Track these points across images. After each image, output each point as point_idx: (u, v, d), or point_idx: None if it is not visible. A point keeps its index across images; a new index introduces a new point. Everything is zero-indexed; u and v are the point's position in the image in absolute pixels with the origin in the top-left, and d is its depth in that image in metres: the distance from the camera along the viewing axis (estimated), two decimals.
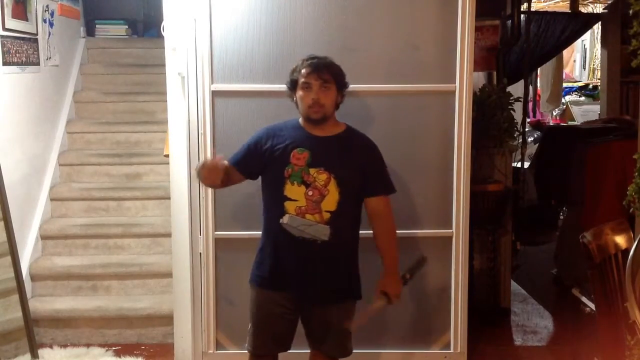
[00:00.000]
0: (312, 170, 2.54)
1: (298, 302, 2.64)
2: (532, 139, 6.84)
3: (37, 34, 4.39)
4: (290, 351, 2.75)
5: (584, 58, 8.70)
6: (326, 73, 2.57)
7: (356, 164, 2.62)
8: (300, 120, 2.68)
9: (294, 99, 2.64)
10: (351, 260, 2.70)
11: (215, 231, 3.33)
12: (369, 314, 2.65)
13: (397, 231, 3.33)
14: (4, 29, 3.93)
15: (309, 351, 2.77)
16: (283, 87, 3.19)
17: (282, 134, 2.64)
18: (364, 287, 2.72)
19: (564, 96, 8.29)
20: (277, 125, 2.72)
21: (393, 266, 2.67)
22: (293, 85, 2.62)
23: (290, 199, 2.54)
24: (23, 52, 4.18)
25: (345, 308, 2.67)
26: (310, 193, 2.53)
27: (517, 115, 4.23)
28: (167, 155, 3.47)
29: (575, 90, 8.71)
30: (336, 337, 2.67)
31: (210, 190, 3.24)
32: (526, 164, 5.08)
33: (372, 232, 2.69)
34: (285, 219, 2.53)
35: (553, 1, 7.33)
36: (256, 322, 2.69)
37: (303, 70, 2.57)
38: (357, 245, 2.71)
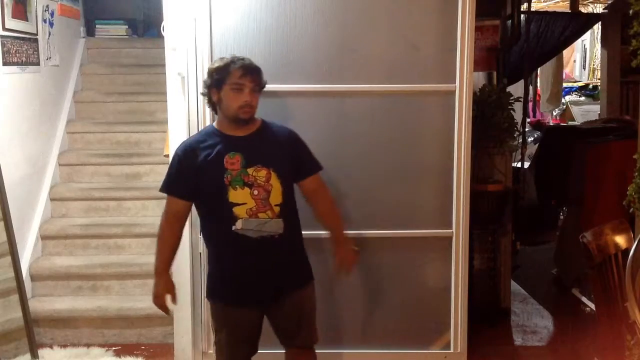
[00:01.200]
0: (249, 170, 2.54)
1: (265, 305, 2.66)
2: (532, 139, 6.83)
3: (37, 34, 4.39)
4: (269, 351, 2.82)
5: (584, 58, 8.70)
6: (257, 77, 2.59)
7: (285, 152, 2.64)
8: (216, 125, 2.66)
9: (215, 97, 2.60)
10: (301, 245, 2.74)
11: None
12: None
13: (397, 231, 3.36)
14: (4, 29, 3.93)
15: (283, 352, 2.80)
16: (283, 87, 3.21)
17: (204, 145, 2.59)
18: None
19: (564, 96, 8.29)
20: (194, 139, 2.68)
21: (343, 236, 2.77)
22: (217, 85, 2.57)
23: (238, 204, 2.52)
24: (23, 52, 4.18)
25: (308, 291, 2.74)
26: (255, 192, 2.53)
27: (517, 115, 4.23)
28: (167, 155, 3.46)
29: (575, 90, 8.70)
30: (307, 325, 2.74)
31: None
32: (526, 164, 5.08)
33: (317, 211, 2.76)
34: (239, 225, 2.51)
35: (553, 1, 7.33)
36: (229, 334, 2.67)
37: (235, 72, 2.54)
38: (301, 229, 2.74)
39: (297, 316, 2.71)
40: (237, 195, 2.52)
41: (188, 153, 2.60)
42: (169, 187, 2.64)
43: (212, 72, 2.60)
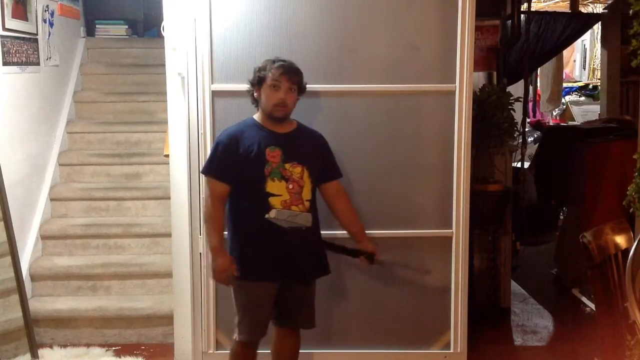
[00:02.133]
0: (287, 165, 2.76)
1: (282, 286, 2.83)
2: (532, 139, 6.84)
3: (37, 34, 4.39)
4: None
5: (584, 58, 8.70)
6: (295, 77, 2.79)
7: (317, 154, 2.89)
8: (257, 117, 2.84)
9: (255, 94, 2.81)
10: (321, 239, 2.96)
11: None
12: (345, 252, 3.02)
13: (397, 231, 3.36)
14: (4, 29, 3.93)
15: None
16: None
17: (247, 135, 2.79)
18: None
19: (564, 96, 8.29)
20: (236, 128, 2.85)
21: (364, 233, 3.01)
22: (259, 82, 2.78)
23: (274, 195, 2.73)
24: (23, 52, 4.18)
25: (314, 284, 2.95)
26: (291, 186, 2.75)
27: (517, 115, 4.23)
28: (167, 155, 3.47)
29: (575, 90, 8.70)
30: (308, 311, 2.93)
31: None
32: (526, 164, 5.08)
33: (336, 212, 2.98)
34: (272, 214, 2.72)
35: (553, 1, 7.33)
36: (252, 312, 2.84)
37: (274, 71, 2.75)
38: None
39: (303, 300, 2.90)
40: (274, 186, 2.73)
41: (232, 140, 2.78)
42: (213, 170, 2.81)
43: (255, 70, 2.81)
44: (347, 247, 3.03)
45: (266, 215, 2.71)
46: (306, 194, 2.78)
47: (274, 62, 2.77)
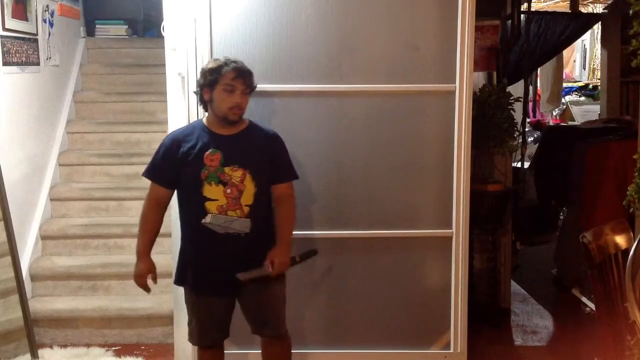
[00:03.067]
0: (226, 169, 2.67)
1: (227, 294, 2.79)
2: (532, 139, 6.83)
3: (37, 34, 4.40)
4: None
5: (584, 58, 8.70)
6: (248, 79, 2.71)
7: (264, 155, 2.76)
8: (205, 120, 2.78)
9: (206, 96, 2.70)
10: (272, 243, 2.81)
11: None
12: (251, 274, 2.74)
13: (397, 231, 3.36)
14: (4, 29, 3.93)
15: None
16: (283, 87, 3.21)
17: (190, 138, 2.73)
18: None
19: (564, 96, 8.28)
20: (181, 131, 2.82)
21: (287, 241, 2.82)
22: (210, 85, 2.67)
23: (210, 199, 2.67)
24: (23, 52, 4.18)
25: (272, 286, 2.82)
26: (228, 191, 2.67)
27: (517, 115, 4.23)
28: None
29: (575, 90, 8.70)
30: (272, 317, 2.84)
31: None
32: (526, 164, 5.08)
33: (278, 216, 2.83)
34: (208, 219, 2.67)
35: (553, 1, 7.32)
36: (199, 317, 2.82)
37: (228, 73, 2.65)
38: (273, 229, 2.83)
39: (262, 308, 2.83)
40: (211, 191, 2.66)
41: (173, 144, 2.74)
42: (151, 173, 2.81)
43: (205, 72, 2.71)
44: (304, 252, 2.91)
45: (202, 221, 2.67)
46: (246, 198, 2.68)
47: (226, 64, 2.67)
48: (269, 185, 2.78)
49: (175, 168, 2.71)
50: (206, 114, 2.81)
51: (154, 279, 2.80)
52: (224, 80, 2.65)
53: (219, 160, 2.67)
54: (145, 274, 2.76)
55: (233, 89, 2.66)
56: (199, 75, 2.77)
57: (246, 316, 2.87)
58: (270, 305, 2.84)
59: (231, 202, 2.67)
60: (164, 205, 2.81)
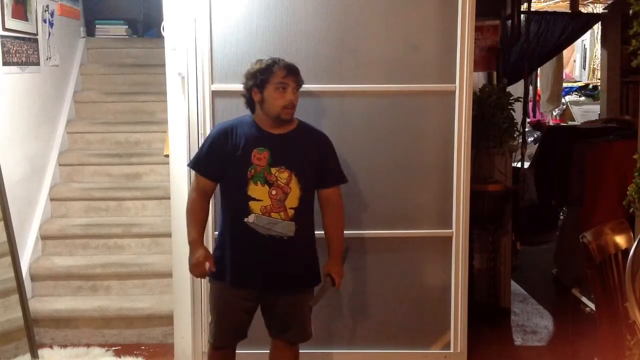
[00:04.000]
0: (273, 170, 2.62)
1: (261, 295, 2.74)
2: (532, 139, 6.84)
3: (37, 34, 4.39)
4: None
5: (584, 58, 8.70)
6: (299, 76, 2.68)
7: (312, 158, 2.71)
8: (254, 117, 2.72)
9: (255, 97, 2.66)
10: (313, 249, 2.80)
11: (214, 231, 3.32)
12: (320, 295, 2.75)
13: (397, 231, 3.36)
14: (4, 29, 3.93)
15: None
16: None
17: (238, 132, 2.68)
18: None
19: (564, 96, 8.29)
20: (230, 124, 2.76)
21: (340, 251, 2.81)
22: (261, 85, 2.63)
23: (254, 199, 2.62)
24: (23, 52, 4.18)
25: (308, 295, 2.78)
26: (274, 192, 2.62)
27: (517, 115, 4.23)
28: (167, 155, 3.47)
29: (575, 90, 8.70)
30: (299, 324, 2.77)
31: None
32: (526, 164, 5.08)
33: (326, 221, 2.80)
34: (251, 219, 2.62)
35: (553, 1, 7.32)
36: (220, 316, 2.78)
37: (279, 72, 2.62)
38: (314, 234, 2.80)
39: (292, 313, 2.76)
40: (255, 190, 2.62)
41: (221, 136, 2.69)
42: (196, 164, 2.76)
43: (255, 73, 2.66)
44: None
45: (245, 219, 2.62)
46: (291, 201, 2.63)
47: (275, 62, 2.64)
48: (314, 189, 2.74)
49: (221, 161, 2.66)
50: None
51: (213, 266, 2.69)
52: (275, 79, 2.61)
53: (267, 160, 2.62)
54: (204, 261, 2.67)
55: (285, 86, 2.62)
56: (243, 78, 2.71)
57: (268, 320, 2.79)
58: (299, 312, 2.76)
59: (275, 203, 2.62)
60: (209, 196, 2.76)
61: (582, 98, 8.52)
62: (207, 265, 2.68)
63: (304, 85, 3.08)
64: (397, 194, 3.36)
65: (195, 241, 2.71)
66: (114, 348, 3.80)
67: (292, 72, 2.64)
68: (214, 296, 2.80)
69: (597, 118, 6.13)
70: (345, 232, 3.02)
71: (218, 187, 2.77)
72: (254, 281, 2.70)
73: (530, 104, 6.95)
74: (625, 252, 2.42)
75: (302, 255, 2.74)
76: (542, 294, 4.75)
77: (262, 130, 2.68)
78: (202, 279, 2.93)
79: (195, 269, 2.71)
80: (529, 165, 5.32)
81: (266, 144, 2.64)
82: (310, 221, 2.75)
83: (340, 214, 2.82)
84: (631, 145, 3.31)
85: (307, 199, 2.69)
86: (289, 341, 2.80)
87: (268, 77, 2.62)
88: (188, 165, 2.80)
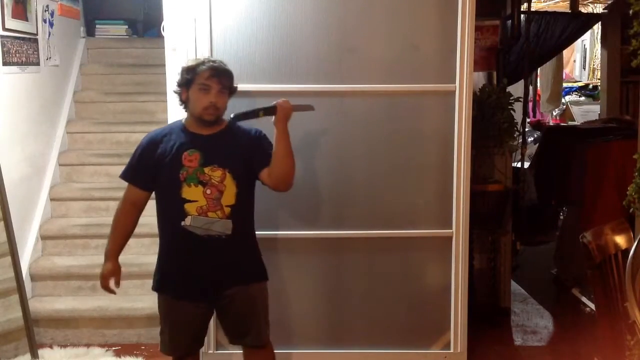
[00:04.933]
0: (206, 169, 2.59)
1: (212, 301, 2.70)
2: (532, 139, 6.83)
3: (37, 34, 4.39)
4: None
5: (584, 58, 8.70)
6: (225, 79, 2.63)
7: (244, 151, 2.66)
8: (184, 120, 2.71)
9: (183, 96, 2.65)
10: (254, 246, 2.76)
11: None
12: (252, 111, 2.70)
13: (397, 231, 3.36)
14: (4, 29, 3.93)
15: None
16: (283, 87, 3.21)
17: (168, 138, 2.66)
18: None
19: (564, 96, 8.28)
20: (160, 131, 2.74)
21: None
22: (186, 84, 2.62)
23: (189, 201, 2.58)
24: (23, 52, 4.18)
25: (254, 291, 2.73)
26: (208, 192, 2.58)
27: (517, 115, 4.23)
28: None
29: (575, 90, 8.70)
30: (255, 325, 2.73)
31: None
32: (526, 164, 5.08)
33: None
34: (188, 221, 2.58)
35: (553, 1, 7.32)
36: (171, 328, 2.72)
37: (203, 72, 2.59)
38: (254, 231, 2.76)
39: (243, 315, 2.72)
40: (190, 192, 2.58)
41: (150, 144, 2.68)
42: (127, 174, 2.73)
43: (183, 71, 2.66)
44: (258, 108, 2.73)
45: (182, 223, 2.57)
46: (227, 199, 2.58)
47: (203, 62, 2.62)
48: (251, 184, 2.71)
49: (152, 169, 2.64)
50: (186, 115, 2.73)
51: (117, 283, 2.72)
52: (199, 80, 2.59)
53: (198, 161, 2.59)
54: (108, 276, 2.69)
55: (208, 88, 2.58)
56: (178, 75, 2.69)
57: (225, 325, 2.77)
58: (253, 312, 2.72)
59: (211, 203, 2.58)
60: (139, 208, 2.73)
61: (582, 98, 8.52)
62: (112, 281, 2.69)
63: (305, 85, 3.09)
64: (396, 193, 3.36)
65: (109, 254, 2.71)
66: (114, 348, 3.80)
67: (216, 75, 2.60)
68: (161, 307, 2.74)
69: (597, 118, 6.13)
70: (345, 232, 3.02)
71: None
72: (195, 290, 2.65)
73: (530, 104, 6.95)
74: (625, 252, 2.42)
75: (241, 253, 2.69)
76: (542, 294, 4.74)
77: (192, 133, 2.65)
78: None
79: (102, 281, 2.71)
80: (529, 165, 5.32)
81: (196, 145, 2.61)
82: (249, 220, 2.72)
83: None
84: (631, 145, 3.31)
85: (245, 197, 2.66)
86: (250, 345, 2.77)
87: (193, 77, 2.60)
88: (120, 176, 2.76)
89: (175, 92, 2.73)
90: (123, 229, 2.74)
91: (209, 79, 2.59)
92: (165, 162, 2.61)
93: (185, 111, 2.72)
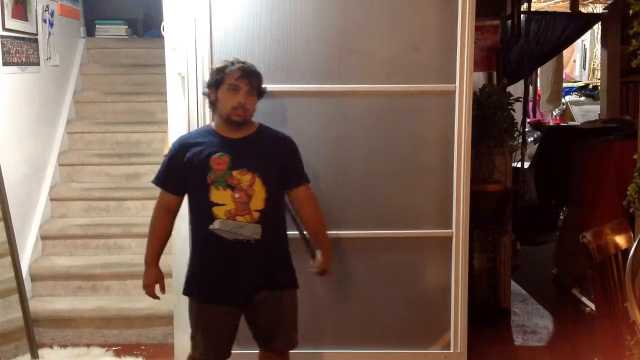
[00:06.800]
0: (234, 173, 2.58)
1: (243, 307, 2.68)
2: (532, 139, 6.84)
3: (37, 34, 4.39)
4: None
5: (584, 58, 8.70)
6: (254, 80, 2.65)
7: (275, 158, 2.68)
8: (213, 124, 2.72)
9: (212, 97, 2.66)
10: (285, 251, 2.76)
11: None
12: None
13: (397, 231, 3.35)
14: (4, 29, 3.93)
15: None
16: (283, 87, 3.21)
17: (197, 142, 2.66)
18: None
19: (564, 96, 8.29)
20: (189, 135, 2.80)
21: (328, 245, 2.77)
22: (216, 85, 2.63)
23: (218, 204, 2.57)
24: (23, 52, 4.18)
25: (286, 296, 2.72)
26: (237, 195, 2.57)
27: (517, 115, 4.23)
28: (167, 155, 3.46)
29: (575, 90, 8.70)
30: (285, 332, 2.73)
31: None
32: (526, 164, 5.08)
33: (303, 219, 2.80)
34: (216, 225, 2.57)
35: (553, 1, 7.32)
36: (203, 332, 2.70)
37: (233, 73, 2.61)
38: (287, 236, 2.77)
39: (274, 320, 2.71)
40: (218, 195, 2.57)
41: (180, 149, 2.68)
42: (160, 180, 2.73)
43: (213, 72, 2.68)
44: (311, 246, 2.85)
45: (210, 226, 2.57)
46: (256, 203, 2.57)
47: (232, 63, 2.63)
48: (282, 190, 2.70)
49: (182, 174, 2.64)
50: (211, 120, 2.74)
51: (162, 289, 2.74)
52: (228, 80, 2.60)
53: (227, 164, 2.58)
54: (153, 283, 2.71)
55: (237, 88, 2.59)
56: (206, 76, 2.70)
57: (254, 330, 2.74)
58: (281, 318, 2.71)
59: (240, 206, 2.57)
60: (173, 213, 2.73)
61: (582, 98, 8.52)
62: (157, 286, 2.71)
63: (305, 85, 3.09)
64: (397, 194, 3.36)
65: (148, 262, 2.72)
66: (114, 348, 3.80)
67: (246, 75, 2.61)
68: (192, 311, 2.73)
69: (597, 118, 6.13)
70: (345, 232, 3.02)
71: None
72: (226, 294, 2.64)
73: (530, 104, 6.95)
74: (625, 252, 2.42)
75: (271, 257, 2.67)
76: (542, 294, 4.74)
77: (221, 136, 2.66)
78: None
79: (146, 289, 2.73)
80: (529, 165, 5.32)
81: (225, 148, 2.61)
82: (278, 225, 2.71)
83: (313, 209, 2.77)
84: (631, 145, 3.31)
85: (275, 202, 2.65)
86: (273, 350, 2.75)
87: (222, 78, 2.61)
88: (152, 181, 2.76)
89: (204, 93, 2.74)
90: (159, 235, 2.73)
91: (238, 80, 2.60)
92: (195, 165, 2.61)
93: (212, 112, 2.74)
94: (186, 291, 2.74)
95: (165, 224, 2.73)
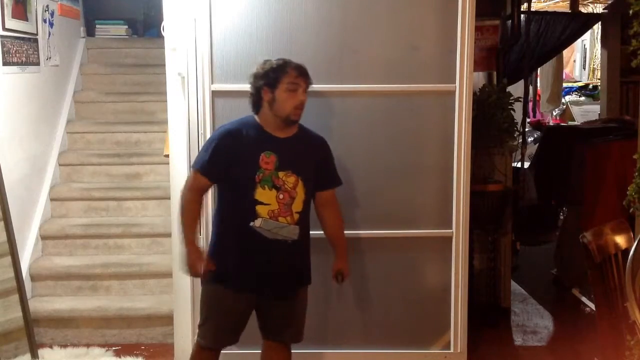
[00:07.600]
0: (280, 174, 2.61)
1: (261, 299, 2.73)
2: (532, 139, 6.83)
3: (37, 34, 4.39)
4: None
5: (584, 58, 8.70)
6: (309, 78, 2.68)
7: (313, 162, 2.73)
8: (257, 118, 2.69)
9: (267, 97, 2.62)
10: (309, 249, 2.81)
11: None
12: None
13: (397, 231, 3.36)
14: (4, 29, 3.93)
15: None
16: None
17: (245, 135, 2.65)
18: None
19: (564, 96, 8.29)
20: (235, 126, 2.71)
21: (345, 251, 2.88)
22: (273, 84, 2.60)
23: (262, 203, 2.60)
24: (23, 52, 4.18)
25: (302, 293, 2.81)
26: (281, 197, 2.61)
27: (517, 115, 4.23)
28: (167, 155, 3.47)
29: (575, 90, 8.70)
30: (295, 325, 2.79)
31: (209, 190, 3.23)
32: (526, 164, 5.08)
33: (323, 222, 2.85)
34: (258, 223, 2.60)
35: (553, 1, 7.32)
36: (218, 319, 2.75)
37: (292, 71, 2.61)
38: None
39: (289, 314, 2.78)
40: (263, 194, 2.60)
41: (227, 138, 2.65)
42: (202, 166, 2.67)
43: (267, 72, 2.63)
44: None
45: (251, 223, 2.60)
46: (297, 205, 2.63)
47: (287, 63, 2.63)
48: (313, 193, 2.75)
49: (225, 163, 2.62)
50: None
51: (213, 265, 2.70)
52: (287, 79, 2.59)
53: (274, 164, 2.60)
54: (198, 262, 2.66)
55: (296, 87, 2.60)
56: (252, 78, 2.67)
57: (265, 320, 2.78)
58: (296, 311, 2.79)
59: (283, 208, 2.61)
60: (203, 195, 2.76)
61: (582, 98, 8.52)
62: (203, 265, 2.67)
63: None
64: (397, 193, 3.36)
65: (189, 241, 2.69)
66: (114, 348, 3.80)
67: (303, 73, 2.64)
68: (211, 298, 2.75)
69: (597, 118, 6.13)
70: (345, 232, 3.03)
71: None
72: (255, 286, 2.69)
73: (530, 104, 6.96)
74: (625, 252, 2.42)
75: (301, 257, 2.77)
76: (542, 294, 4.75)
77: (268, 133, 2.65)
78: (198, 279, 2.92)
79: (192, 270, 2.70)
80: (529, 165, 5.32)
81: (273, 147, 2.62)
82: (308, 223, 2.77)
83: (339, 214, 2.89)
84: (631, 145, 3.31)
85: (308, 203, 2.73)
86: (285, 342, 2.81)
87: (280, 77, 2.60)
88: (193, 166, 2.76)
89: (251, 93, 2.69)
90: (194, 217, 2.71)
91: (297, 78, 2.61)
92: (242, 159, 2.61)
93: (255, 113, 2.70)
94: (213, 278, 2.71)
95: (198, 206, 2.72)
